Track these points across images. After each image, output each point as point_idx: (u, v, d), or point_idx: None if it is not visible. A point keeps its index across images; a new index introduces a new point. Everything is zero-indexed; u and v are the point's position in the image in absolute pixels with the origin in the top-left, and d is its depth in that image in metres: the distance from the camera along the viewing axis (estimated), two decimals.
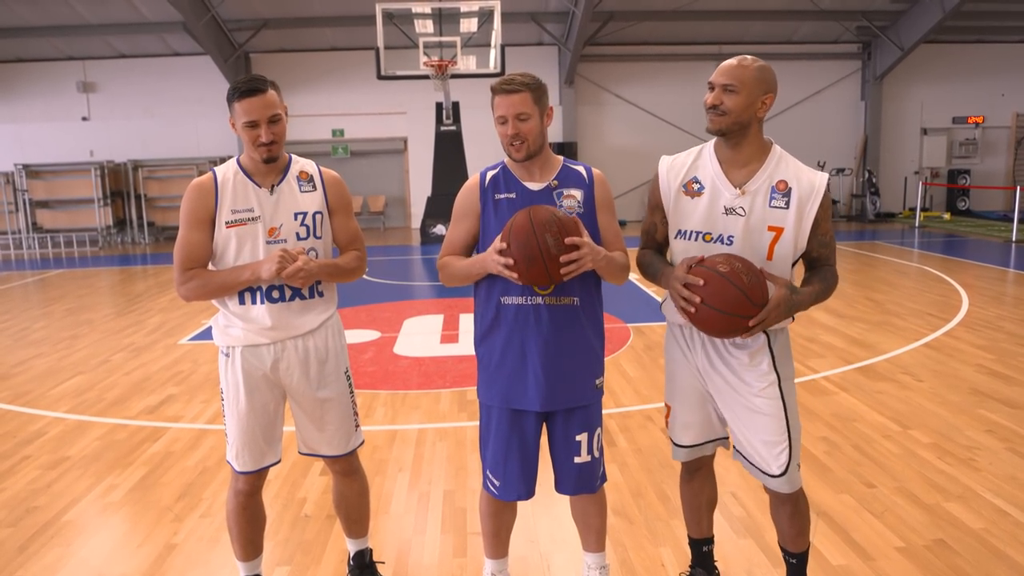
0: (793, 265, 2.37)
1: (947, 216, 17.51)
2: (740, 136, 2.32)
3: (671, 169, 2.45)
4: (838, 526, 3.29)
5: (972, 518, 3.33)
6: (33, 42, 16.59)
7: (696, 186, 2.38)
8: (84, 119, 17.64)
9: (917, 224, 16.12)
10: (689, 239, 2.38)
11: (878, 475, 3.81)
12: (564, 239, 2.23)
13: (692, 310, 2.24)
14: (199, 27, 15.10)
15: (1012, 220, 13.30)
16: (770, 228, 2.30)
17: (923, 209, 16.78)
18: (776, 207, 2.30)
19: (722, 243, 2.33)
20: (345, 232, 2.70)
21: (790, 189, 2.30)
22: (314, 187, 2.62)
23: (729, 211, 2.32)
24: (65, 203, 16.63)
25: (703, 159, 2.42)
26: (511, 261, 2.26)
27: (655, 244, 2.55)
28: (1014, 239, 12.95)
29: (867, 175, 18.10)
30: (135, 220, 17.08)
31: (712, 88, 2.29)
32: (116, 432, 4.76)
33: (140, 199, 16.96)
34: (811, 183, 2.32)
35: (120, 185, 17.07)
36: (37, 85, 17.42)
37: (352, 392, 2.75)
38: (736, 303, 2.17)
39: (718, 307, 2.19)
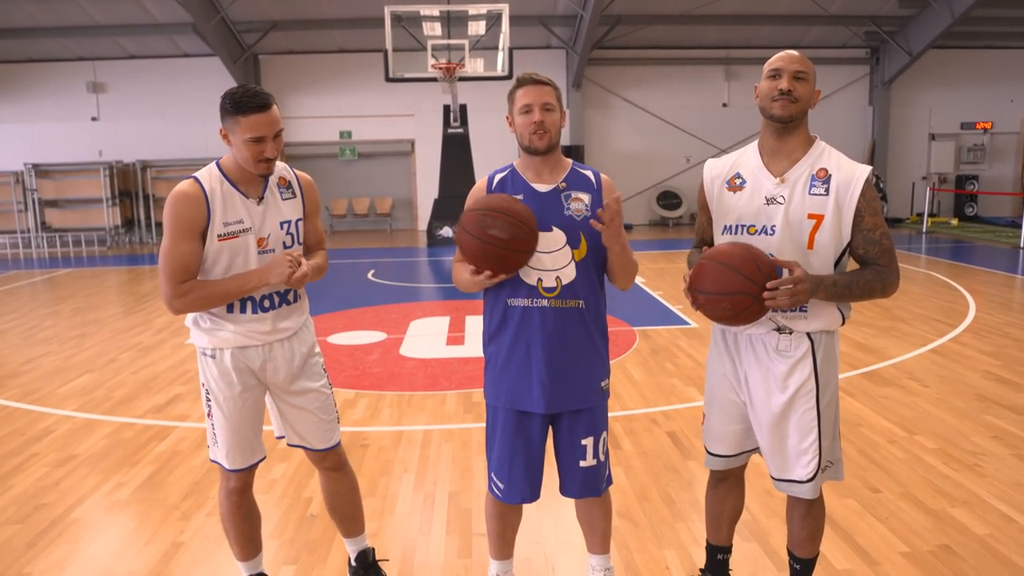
0: (838, 261, 2.35)
1: (955, 222, 17.43)
2: (796, 125, 2.35)
3: (714, 169, 2.52)
4: (843, 531, 3.29)
5: (977, 524, 3.33)
6: (43, 42, 16.67)
7: (738, 181, 2.43)
8: (93, 119, 17.71)
9: (924, 229, 16.07)
10: (734, 233, 2.40)
11: (883, 480, 3.81)
12: (510, 219, 2.29)
13: (691, 298, 2.33)
14: (208, 28, 15.16)
15: (1020, 226, 13.25)
16: (810, 216, 2.31)
17: (931, 214, 16.70)
18: (816, 194, 2.31)
19: (765, 233, 2.35)
20: (315, 234, 2.75)
21: (830, 176, 2.31)
22: (293, 194, 2.64)
23: (770, 200, 2.35)
24: (74, 203, 16.70)
25: (747, 156, 2.46)
26: (489, 273, 2.34)
27: (703, 244, 2.62)
28: (1022, 245, 12.90)
29: (875, 180, 18.02)
30: (143, 220, 17.16)
31: (777, 75, 2.30)
32: (123, 431, 4.79)
33: (148, 199, 17.03)
34: (851, 171, 2.32)
35: (129, 185, 17.15)
36: (47, 85, 17.49)
37: (330, 386, 2.82)
38: (740, 265, 2.22)
39: (713, 290, 2.25)
